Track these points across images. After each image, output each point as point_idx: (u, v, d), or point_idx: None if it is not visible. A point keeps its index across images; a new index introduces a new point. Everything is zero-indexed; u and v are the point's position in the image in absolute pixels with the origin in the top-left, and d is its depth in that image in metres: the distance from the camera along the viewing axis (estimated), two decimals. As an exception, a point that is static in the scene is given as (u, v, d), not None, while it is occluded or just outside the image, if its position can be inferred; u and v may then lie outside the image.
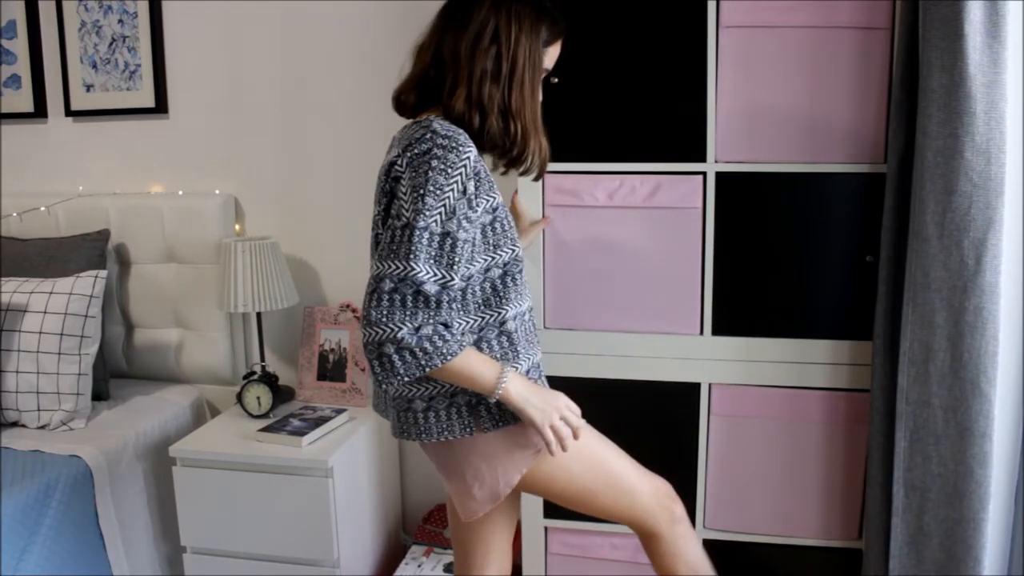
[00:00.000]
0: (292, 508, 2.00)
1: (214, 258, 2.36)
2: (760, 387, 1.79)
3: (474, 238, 1.28)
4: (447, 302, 1.23)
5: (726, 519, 1.86)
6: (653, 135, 1.75)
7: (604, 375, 1.83)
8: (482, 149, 1.34)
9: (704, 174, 1.73)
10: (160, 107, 2.45)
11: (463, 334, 1.30)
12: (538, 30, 1.33)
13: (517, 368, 1.34)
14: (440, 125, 1.27)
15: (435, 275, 1.22)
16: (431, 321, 1.22)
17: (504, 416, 1.34)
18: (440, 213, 1.22)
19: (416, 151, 1.25)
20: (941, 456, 1.61)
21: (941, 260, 1.55)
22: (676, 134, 1.73)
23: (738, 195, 1.73)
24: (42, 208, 2.47)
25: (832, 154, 1.68)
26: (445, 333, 1.22)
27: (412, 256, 1.21)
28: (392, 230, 1.24)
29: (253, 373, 2.27)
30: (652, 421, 1.84)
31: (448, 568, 2.15)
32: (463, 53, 1.30)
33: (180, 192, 2.45)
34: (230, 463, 2.02)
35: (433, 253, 1.22)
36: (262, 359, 2.31)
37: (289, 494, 1.99)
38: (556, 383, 1.75)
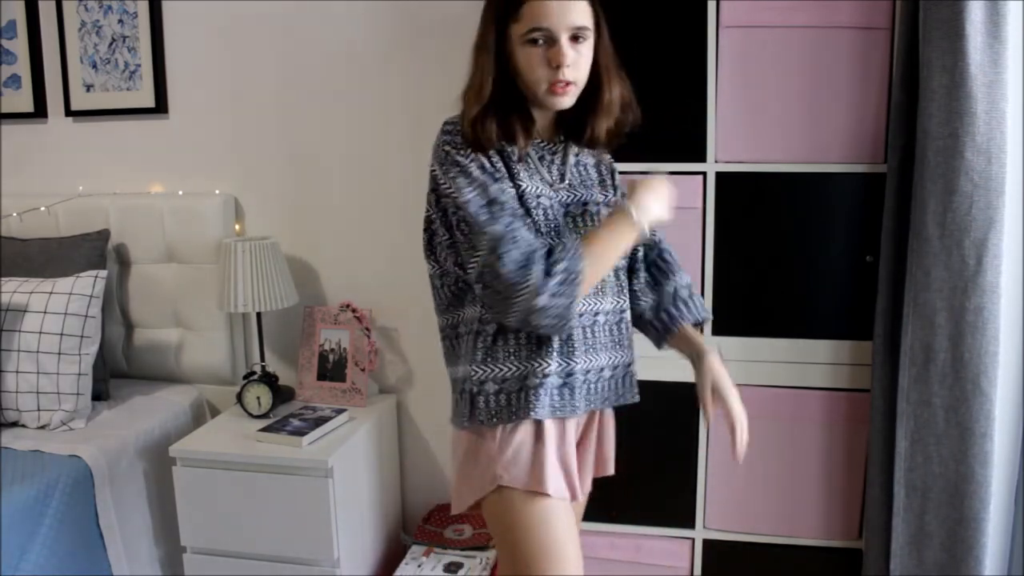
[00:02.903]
0: (292, 508, 1.99)
1: (214, 258, 2.36)
2: (760, 387, 1.79)
3: (512, 195, 1.31)
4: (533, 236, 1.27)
5: (726, 519, 1.86)
6: (653, 135, 1.75)
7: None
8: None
9: (704, 174, 1.73)
10: (160, 107, 2.44)
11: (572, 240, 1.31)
12: (488, 10, 1.35)
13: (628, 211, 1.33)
14: (449, 118, 1.35)
15: (508, 223, 1.26)
16: (544, 256, 1.24)
17: (499, 415, 1.33)
18: (478, 188, 1.28)
19: (435, 144, 1.34)
20: (942, 456, 1.61)
21: (942, 260, 1.55)
22: (676, 134, 1.73)
23: (738, 195, 1.73)
24: (42, 208, 2.47)
25: (832, 154, 1.68)
26: (560, 251, 1.25)
27: (482, 226, 1.25)
28: (459, 227, 1.29)
29: (253, 373, 2.27)
30: (652, 421, 1.84)
31: (448, 568, 2.15)
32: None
33: (180, 192, 2.45)
34: (230, 463, 2.02)
35: (494, 216, 1.26)
36: (262, 359, 2.31)
37: (289, 494, 1.99)
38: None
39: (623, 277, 1.46)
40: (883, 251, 1.65)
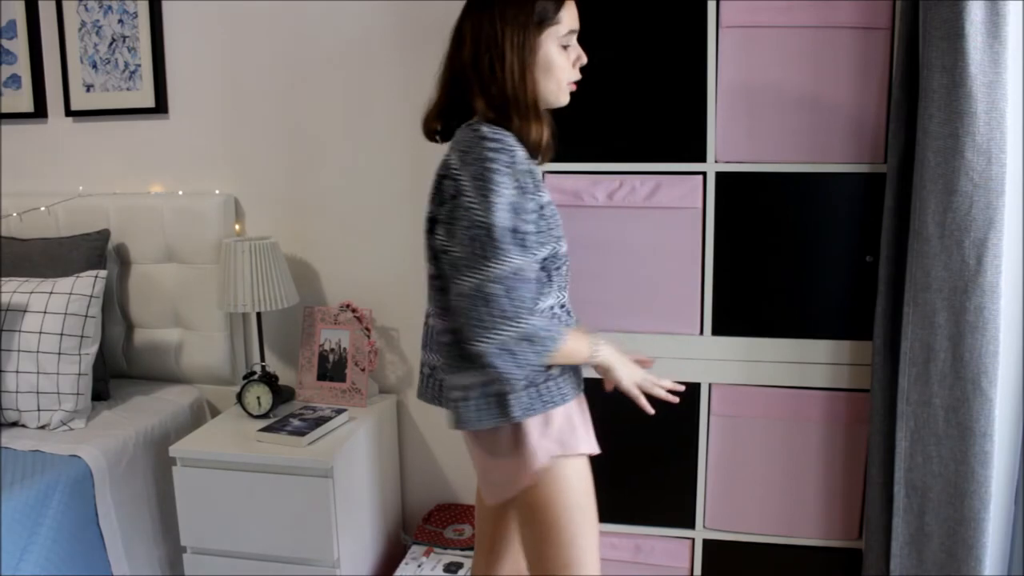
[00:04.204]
0: (292, 508, 1.99)
1: (214, 258, 2.36)
2: (760, 387, 1.79)
3: (533, 230, 1.33)
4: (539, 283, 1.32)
5: (726, 519, 1.86)
6: (653, 135, 1.75)
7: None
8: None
9: (704, 174, 1.73)
10: (160, 107, 2.45)
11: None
12: (521, 14, 1.34)
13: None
14: (488, 129, 1.32)
15: (528, 260, 1.28)
16: (537, 311, 1.30)
17: (532, 407, 1.36)
18: (508, 211, 1.27)
19: (473, 156, 1.29)
20: (942, 456, 1.61)
21: (942, 260, 1.55)
22: (676, 134, 1.73)
23: (738, 195, 1.73)
24: (42, 208, 2.47)
25: (832, 154, 1.68)
26: (550, 317, 1.34)
27: (504, 252, 1.26)
28: (472, 239, 1.27)
29: (253, 373, 2.27)
30: (652, 421, 1.84)
31: (448, 568, 2.15)
32: (468, 67, 1.36)
33: (180, 192, 2.45)
34: (230, 463, 2.02)
35: (519, 246, 1.28)
36: (262, 359, 2.31)
37: (289, 494, 1.99)
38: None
39: None
40: (883, 251, 1.65)
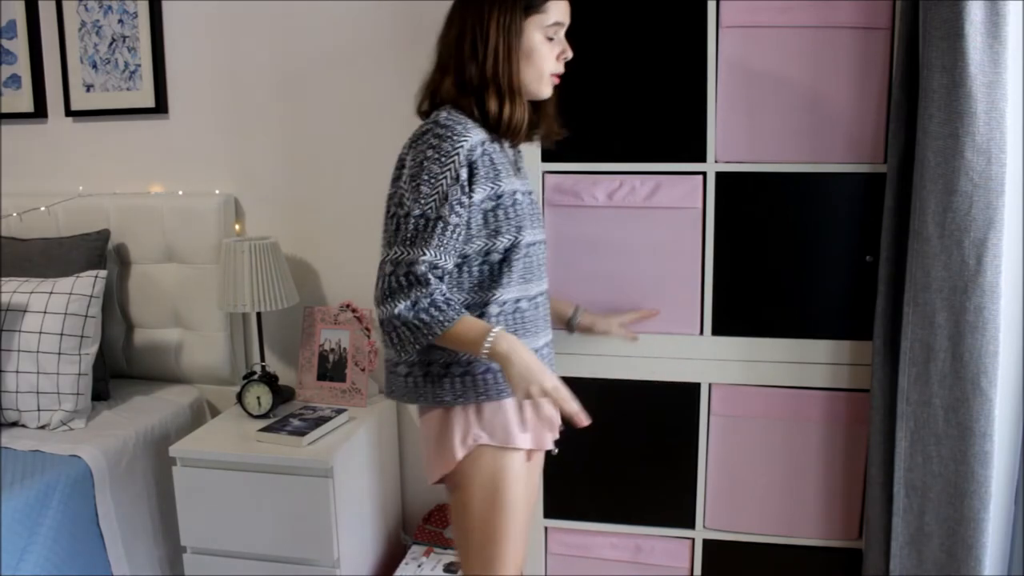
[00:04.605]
0: (292, 508, 1.99)
1: (214, 258, 2.36)
2: (760, 387, 1.79)
3: (468, 222, 1.37)
4: (438, 280, 1.35)
5: (726, 519, 1.86)
6: (653, 135, 1.75)
7: (604, 375, 1.83)
8: (495, 130, 1.41)
9: (704, 174, 1.73)
10: (160, 107, 2.45)
11: (459, 307, 1.37)
12: (508, 1, 1.38)
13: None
14: (445, 115, 1.38)
15: (427, 256, 1.33)
16: (427, 297, 1.32)
17: (465, 395, 1.42)
18: (435, 200, 1.34)
19: (418, 143, 1.37)
20: (942, 456, 1.61)
21: (942, 260, 1.55)
22: (676, 134, 1.73)
23: (738, 195, 1.73)
24: (42, 208, 2.47)
25: (832, 154, 1.68)
26: (441, 305, 1.33)
27: (407, 241, 1.34)
28: (395, 218, 1.37)
29: (253, 373, 2.27)
30: (652, 421, 1.84)
31: (448, 568, 2.15)
32: (451, 47, 1.42)
33: (180, 192, 2.45)
34: (230, 463, 2.02)
35: (426, 237, 1.34)
36: (262, 359, 2.31)
37: (289, 494, 1.99)
38: (556, 383, 1.75)
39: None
40: (883, 251, 1.65)
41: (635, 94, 1.74)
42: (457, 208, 1.34)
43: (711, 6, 1.66)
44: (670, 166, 1.74)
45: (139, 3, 2.40)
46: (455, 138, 1.34)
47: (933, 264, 1.55)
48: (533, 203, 1.50)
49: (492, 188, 1.38)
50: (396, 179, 1.40)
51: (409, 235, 1.34)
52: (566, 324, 1.76)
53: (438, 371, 1.43)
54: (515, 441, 1.44)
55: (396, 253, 1.35)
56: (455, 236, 1.35)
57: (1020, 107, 1.53)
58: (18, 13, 2.49)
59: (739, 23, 1.67)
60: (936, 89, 1.50)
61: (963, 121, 1.49)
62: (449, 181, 1.34)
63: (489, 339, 1.33)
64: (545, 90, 1.46)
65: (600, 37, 1.72)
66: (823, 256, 1.72)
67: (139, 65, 2.43)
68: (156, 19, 2.40)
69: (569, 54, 1.47)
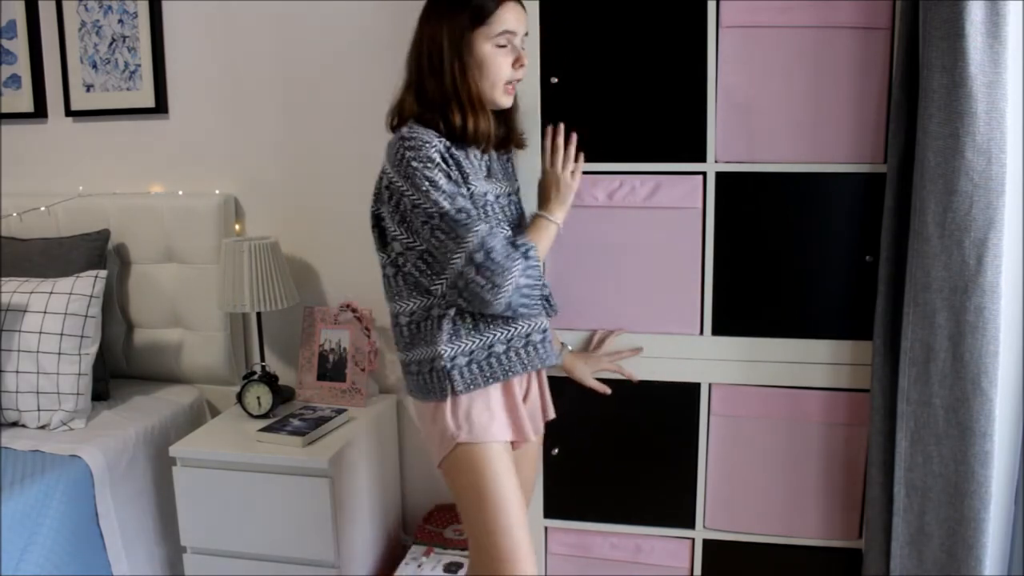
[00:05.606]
0: (292, 508, 2.00)
1: (214, 258, 2.36)
2: (760, 387, 1.79)
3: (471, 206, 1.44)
4: (502, 234, 1.43)
5: (726, 519, 1.86)
6: (653, 135, 1.75)
7: (604, 375, 1.82)
8: (461, 141, 1.47)
9: (704, 174, 1.73)
10: (160, 107, 2.45)
11: (521, 236, 1.50)
12: (456, 15, 1.43)
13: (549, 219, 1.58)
14: (407, 130, 1.43)
15: (482, 228, 1.39)
16: (514, 253, 1.41)
17: (435, 391, 1.48)
18: (447, 197, 1.39)
19: (401, 163, 1.41)
20: (942, 456, 1.61)
21: (942, 260, 1.55)
22: (676, 134, 1.73)
23: (738, 195, 1.73)
24: (42, 208, 2.47)
25: (832, 154, 1.68)
26: (520, 247, 1.42)
27: (460, 237, 1.38)
28: (433, 230, 1.40)
29: (253, 373, 2.27)
30: (652, 421, 1.84)
31: (448, 568, 2.15)
32: (410, 65, 1.50)
33: (180, 192, 2.45)
34: (230, 463, 2.02)
35: (470, 220, 1.39)
36: (262, 359, 2.31)
37: (289, 494, 1.99)
38: (556, 382, 1.76)
39: None
40: (883, 251, 1.65)
41: (635, 94, 1.74)
42: (460, 199, 1.41)
43: (711, 6, 1.66)
44: (670, 166, 1.74)
45: (139, 3, 2.40)
46: (426, 145, 1.40)
47: (933, 264, 1.55)
48: (512, 204, 1.58)
49: (470, 188, 1.45)
50: (393, 199, 1.43)
51: (460, 229, 1.38)
52: None
53: (415, 369, 1.51)
54: (490, 434, 1.47)
55: (466, 247, 1.38)
56: (483, 209, 1.45)
57: (1020, 107, 1.53)
58: (18, 13, 2.49)
59: (739, 23, 1.67)
60: (936, 89, 1.50)
61: (963, 121, 1.49)
62: (445, 179, 1.40)
63: (553, 224, 1.56)
64: (502, 99, 1.50)
65: (600, 37, 1.72)
66: (823, 256, 1.72)
67: (139, 65, 2.43)
68: (156, 19, 2.40)
69: (524, 60, 1.49)
